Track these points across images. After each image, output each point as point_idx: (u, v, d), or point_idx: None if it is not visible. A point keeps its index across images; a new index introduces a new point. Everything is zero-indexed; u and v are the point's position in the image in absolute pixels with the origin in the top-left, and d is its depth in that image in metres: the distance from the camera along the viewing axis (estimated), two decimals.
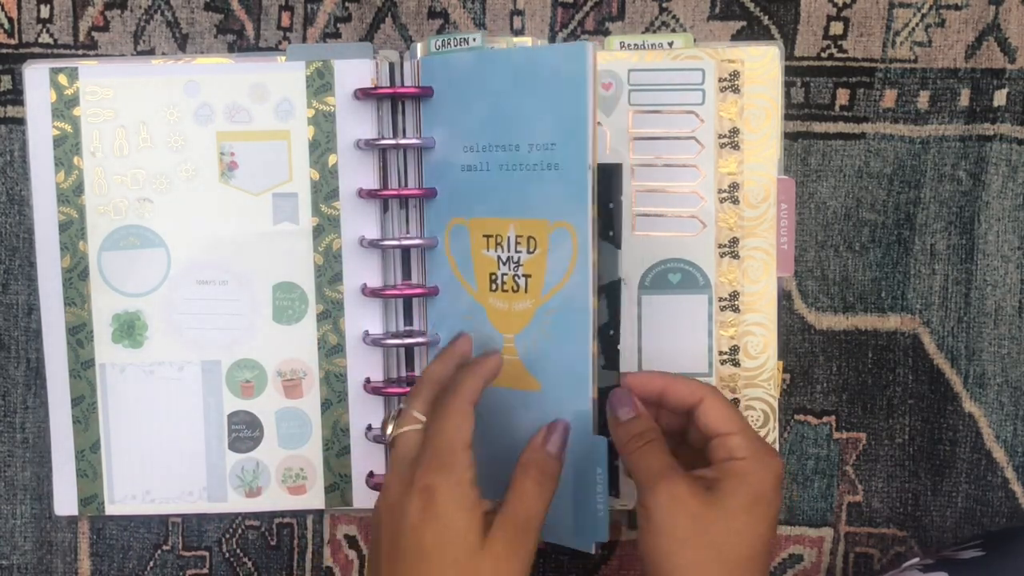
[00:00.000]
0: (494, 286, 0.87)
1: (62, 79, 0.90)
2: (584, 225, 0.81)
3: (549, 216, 0.83)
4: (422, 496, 0.73)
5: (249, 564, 0.98)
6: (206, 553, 0.98)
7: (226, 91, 0.90)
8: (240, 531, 0.97)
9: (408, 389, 0.90)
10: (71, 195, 0.90)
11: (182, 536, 0.98)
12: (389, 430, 0.80)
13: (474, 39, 0.88)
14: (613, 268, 0.89)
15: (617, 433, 0.79)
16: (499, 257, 0.86)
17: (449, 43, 0.89)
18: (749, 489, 0.74)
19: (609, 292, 0.90)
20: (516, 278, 0.85)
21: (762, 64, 0.88)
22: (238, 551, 0.98)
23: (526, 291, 0.85)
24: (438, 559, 0.72)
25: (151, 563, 0.98)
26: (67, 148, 0.90)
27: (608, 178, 0.89)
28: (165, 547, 0.98)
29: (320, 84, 0.89)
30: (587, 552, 0.85)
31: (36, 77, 0.90)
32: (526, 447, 0.78)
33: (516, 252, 0.85)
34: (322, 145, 0.90)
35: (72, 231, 0.91)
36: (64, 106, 0.90)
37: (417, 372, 0.92)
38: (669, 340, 0.90)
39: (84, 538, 0.98)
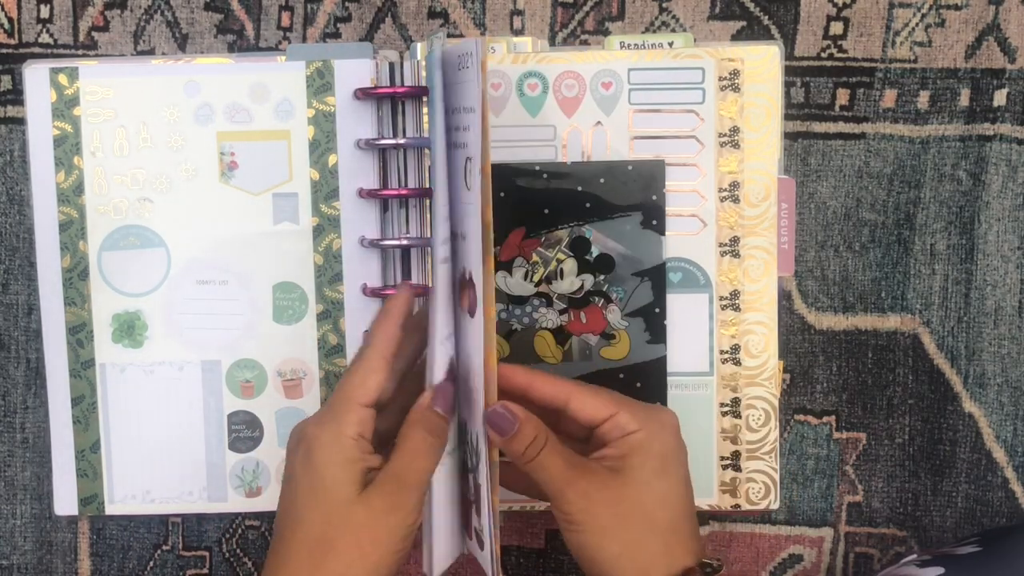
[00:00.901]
0: None
1: (62, 79, 0.90)
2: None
3: None
4: (303, 447, 0.74)
5: (249, 564, 0.98)
6: (206, 553, 0.98)
7: (226, 91, 0.90)
8: (240, 531, 0.98)
9: None
10: (71, 195, 0.90)
11: (182, 536, 0.98)
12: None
13: (491, 49, 0.89)
14: (658, 253, 0.90)
15: (509, 451, 0.76)
16: None
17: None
18: (653, 455, 0.75)
19: (654, 275, 0.90)
20: None
21: (762, 63, 0.88)
22: (238, 551, 0.98)
23: None
24: (311, 509, 0.72)
25: (151, 563, 0.98)
26: (67, 148, 0.90)
27: (651, 174, 0.89)
28: (165, 547, 0.98)
29: (320, 84, 0.89)
30: None
31: (36, 77, 0.90)
32: (414, 407, 0.76)
33: None
34: (322, 145, 0.90)
35: (72, 231, 0.91)
36: (64, 106, 0.90)
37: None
38: (670, 339, 0.90)
39: (84, 538, 0.98)
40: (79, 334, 0.91)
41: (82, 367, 0.92)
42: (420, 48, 0.90)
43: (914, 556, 0.91)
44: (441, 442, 0.76)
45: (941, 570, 0.85)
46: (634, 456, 0.74)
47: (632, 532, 0.73)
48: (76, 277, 0.91)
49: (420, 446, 0.74)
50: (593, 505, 0.74)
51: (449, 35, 0.93)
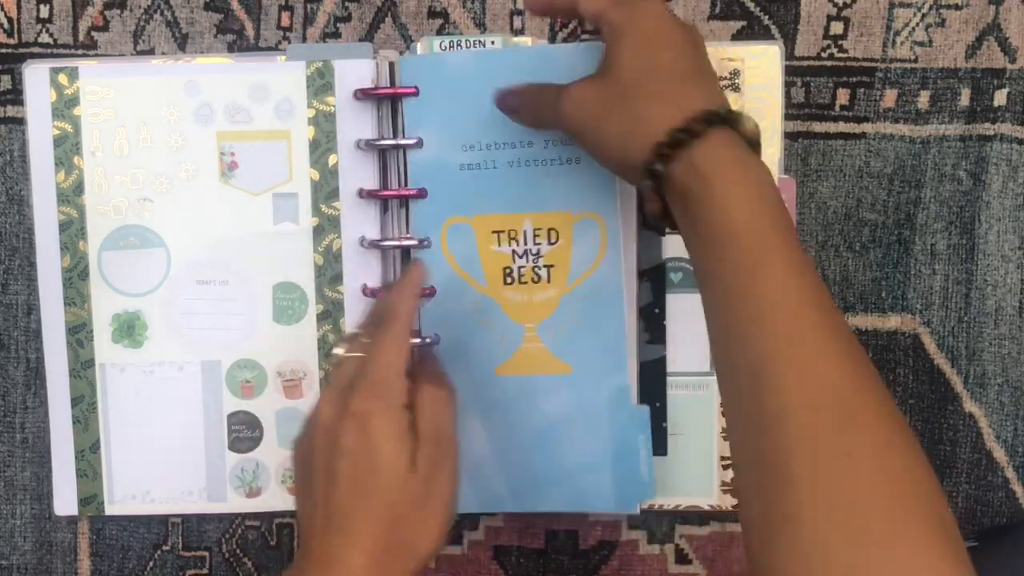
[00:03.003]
0: (510, 279, 0.89)
1: (62, 79, 0.90)
2: (612, 214, 0.86)
3: (572, 208, 0.87)
4: (357, 422, 0.74)
5: (249, 564, 0.98)
6: (206, 553, 0.98)
7: (226, 91, 0.90)
8: (240, 531, 0.97)
9: None
10: (71, 195, 0.90)
11: (182, 536, 0.98)
12: (338, 349, 0.80)
13: (492, 42, 0.89)
14: (657, 253, 0.90)
15: (528, 112, 0.83)
16: (514, 251, 0.88)
17: (461, 44, 0.89)
18: (630, 34, 0.75)
19: (653, 275, 0.90)
20: (536, 269, 0.88)
21: (762, 63, 0.88)
22: (238, 551, 0.98)
23: (548, 281, 0.89)
24: (373, 482, 0.73)
25: (151, 563, 0.98)
26: (67, 148, 0.90)
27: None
28: (165, 547, 0.98)
29: (320, 84, 0.89)
30: (630, 513, 0.92)
31: (36, 76, 0.90)
32: (420, 374, 0.79)
33: (535, 245, 0.88)
34: (322, 145, 0.90)
35: (72, 231, 0.91)
36: (64, 106, 0.90)
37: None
38: (671, 339, 0.90)
39: (84, 538, 0.98)
40: (79, 334, 0.92)
41: (82, 367, 0.92)
42: (419, 48, 0.90)
43: None
44: (452, 395, 0.79)
45: None
46: (613, 44, 0.75)
47: (624, 110, 0.73)
48: (76, 277, 0.91)
49: (435, 407, 0.77)
50: (585, 102, 0.76)
51: (449, 35, 0.93)
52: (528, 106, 0.83)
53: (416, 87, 0.88)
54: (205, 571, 0.98)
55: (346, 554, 0.72)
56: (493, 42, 0.89)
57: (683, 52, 0.74)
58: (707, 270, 0.70)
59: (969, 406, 0.94)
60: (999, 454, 0.94)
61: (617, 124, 0.74)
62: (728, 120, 0.71)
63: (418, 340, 0.89)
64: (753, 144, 0.72)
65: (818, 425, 0.63)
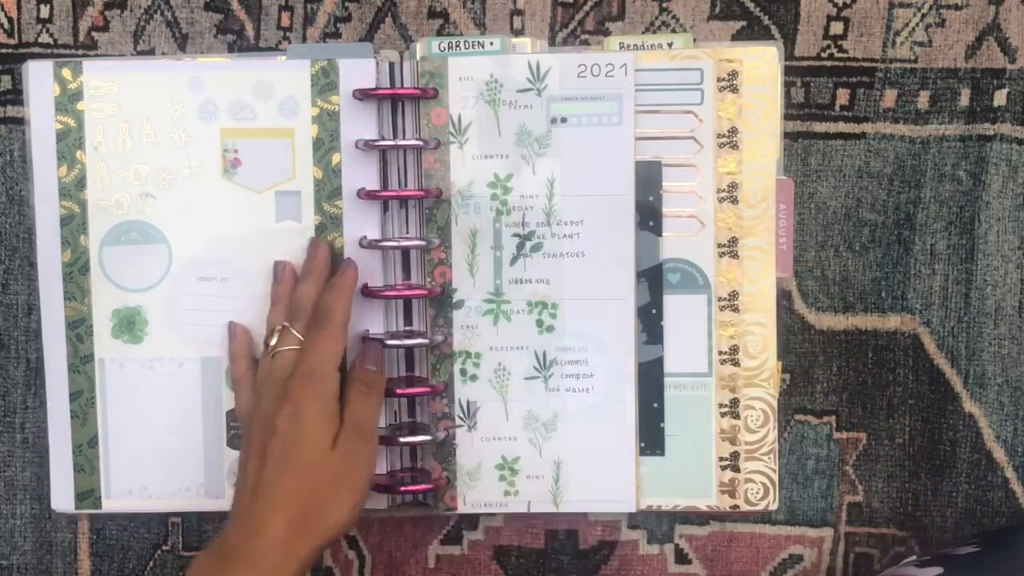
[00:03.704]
0: None
1: (66, 73, 0.90)
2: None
3: None
4: (292, 408, 0.82)
5: None
6: None
7: (230, 88, 0.90)
8: None
9: (409, 390, 0.90)
10: (73, 189, 0.90)
11: (182, 536, 0.98)
12: (273, 342, 0.87)
13: (491, 43, 0.89)
14: (654, 254, 0.90)
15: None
16: None
17: (459, 45, 0.89)
18: None
19: (650, 276, 0.90)
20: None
21: (761, 64, 0.89)
22: None
23: None
24: (297, 460, 0.80)
25: (151, 563, 0.98)
26: (70, 142, 0.90)
27: (648, 175, 0.89)
28: (165, 547, 0.98)
29: (325, 83, 0.89)
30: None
31: (40, 71, 0.90)
32: (351, 369, 0.88)
33: None
34: (326, 144, 0.90)
35: (73, 225, 0.91)
36: (68, 100, 0.90)
37: (417, 372, 0.92)
38: (669, 339, 0.91)
39: (84, 538, 0.98)
40: (79, 329, 0.91)
41: (81, 362, 0.92)
42: (419, 48, 0.90)
43: (914, 557, 0.91)
44: (380, 393, 0.88)
45: (940, 570, 0.85)
46: None
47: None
48: (76, 272, 0.91)
49: (362, 399, 0.86)
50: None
51: (449, 35, 0.94)
52: None
53: (434, 88, 0.89)
54: None
55: (270, 519, 0.78)
56: (492, 43, 0.90)
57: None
58: None
59: (969, 406, 0.94)
60: (999, 454, 0.94)
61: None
62: None
63: (422, 340, 0.90)
64: None
65: None
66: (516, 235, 0.90)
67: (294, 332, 0.86)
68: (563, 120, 0.88)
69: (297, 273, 0.91)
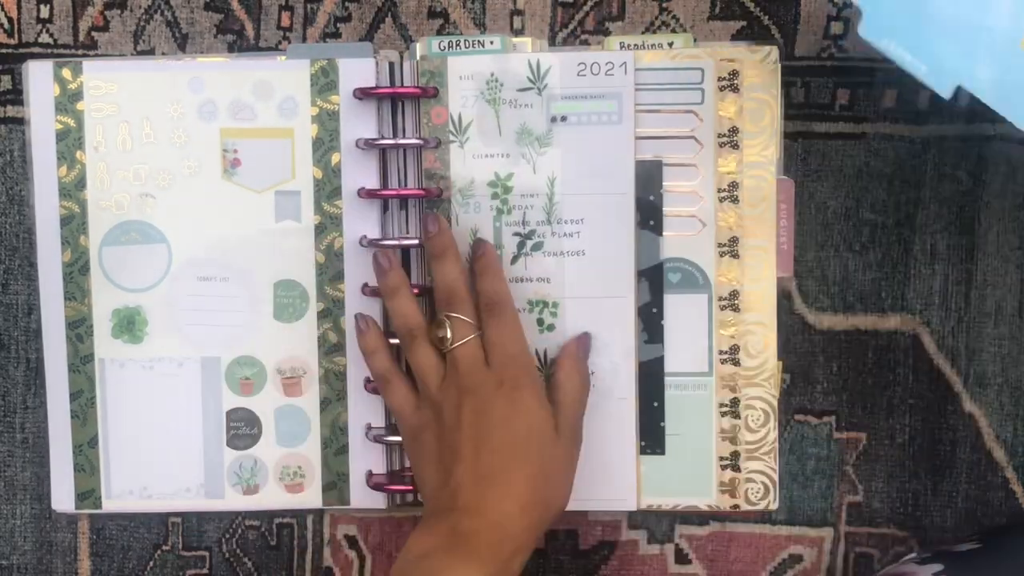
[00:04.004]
0: None
1: (66, 73, 0.90)
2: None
3: None
4: (512, 395, 0.83)
5: (249, 564, 0.98)
6: (206, 553, 0.98)
7: (230, 88, 0.90)
8: (240, 531, 0.97)
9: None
10: (73, 189, 0.91)
11: (182, 536, 0.98)
12: (446, 334, 0.86)
13: (492, 42, 0.89)
14: (655, 253, 0.91)
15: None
16: None
17: (459, 44, 0.89)
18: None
19: (651, 275, 0.91)
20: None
21: (761, 63, 0.89)
22: (238, 551, 0.98)
23: None
24: (525, 448, 0.82)
25: (151, 563, 0.98)
26: (70, 142, 0.90)
27: (649, 174, 0.90)
28: (165, 547, 0.98)
29: (324, 83, 0.90)
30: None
31: (40, 71, 0.90)
32: (563, 352, 0.90)
33: None
34: (325, 144, 0.90)
35: (73, 225, 0.91)
36: (68, 100, 0.90)
37: None
38: (669, 339, 0.91)
39: (84, 538, 0.98)
40: (79, 329, 0.92)
41: (81, 362, 0.92)
42: (419, 47, 0.90)
43: (914, 554, 0.91)
44: (585, 373, 0.90)
45: (940, 567, 0.85)
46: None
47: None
48: (76, 272, 0.91)
49: (579, 385, 0.88)
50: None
51: (448, 35, 0.94)
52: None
53: (435, 87, 0.89)
54: (205, 571, 0.98)
55: (501, 504, 0.80)
56: (492, 42, 0.90)
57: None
58: None
59: (969, 406, 0.94)
60: (999, 454, 0.94)
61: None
62: None
63: None
64: None
65: None
66: (516, 234, 0.90)
67: (466, 320, 0.86)
68: (563, 119, 0.88)
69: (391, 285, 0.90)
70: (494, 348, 0.85)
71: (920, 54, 0.80)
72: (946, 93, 0.79)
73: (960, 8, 0.79)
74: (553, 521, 0.83)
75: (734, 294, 0.90)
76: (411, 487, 0.92)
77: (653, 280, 0.90)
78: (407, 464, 0.93)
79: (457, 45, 0.90)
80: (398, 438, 0.91)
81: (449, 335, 0.85)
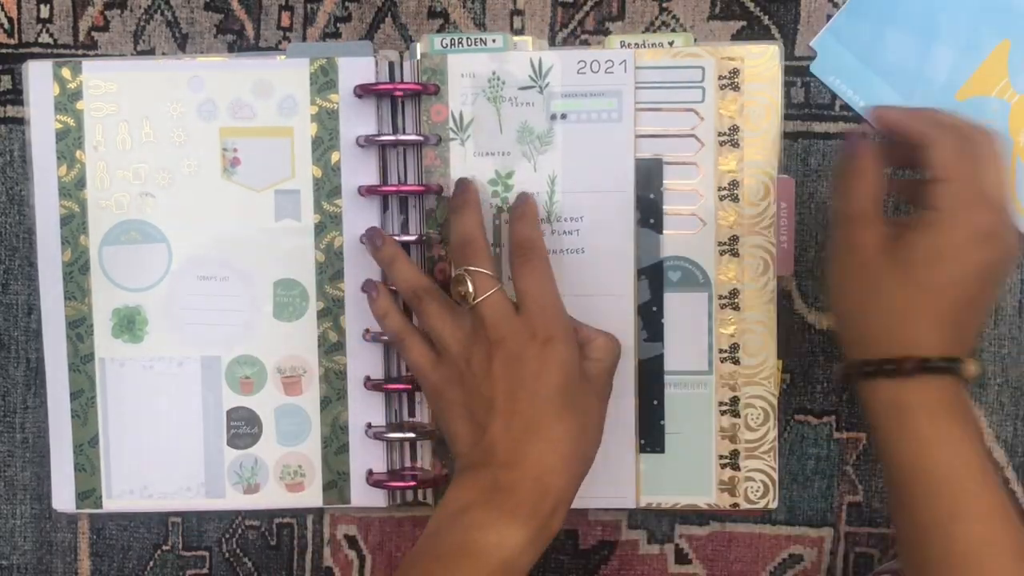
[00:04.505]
0: None
1: (65, 72, 0.90)
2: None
3: None
4: (545, 347, 0.80)
5: (249, 564, 0.98)
6: (206, 553, 0.98)
7: (230, 87, 0.90)
8: (240, 531, 0.97)
9: (408, 386, 0.91)
10: (73, 189, 0.91)
11: (182, 536, 0.98)
12: (468, 289, 0.82)
13: (494, 40, 0.89)
14: (655, 252, 0.91)
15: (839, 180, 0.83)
16: None
17: (461, 42, 0.89)
18: (944, 239, 0.74)
19: (651, 273, 0.91)
20: None
21: (762, 62, 0.89)
22: (238, 551, 0.98)
23: None
24: (562, 401, 0.79)
25: (151, 563, 0.98)
26: (69, 142, 0.90)
27: (649, 172, 0.90)
28: (165, 547, 0.98)
29: (324, 81, 0.90)
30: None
31: (39, 71, 0.90)
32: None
33: None
34: (325, 142, 0.90)
35: (73, 225, 0.91)
36: (67, 100, 0.90)
37: None
38: (669, 337, 0.91)
39: (84, 538, 0.98)
40: (79, 328, 0.92)
41: (81, 361, 0.92)
42: (419, 46, 0.90)
43: None
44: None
45: None
46: (913, 233, 0.75)
47: (875, 297, 0.76)
48: (77, 271, 0.91)
49: (607, 338, 0.86)
50: (854, 253, 0.78)
51: (450, 32, 0.94)
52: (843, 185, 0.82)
53: (436, 84, 0.89)
54: (205, 571, 0.98)
55: (543, 458, 0.78)
56: (495, 40, 0.90)
57: (977, 285, 0.74)
58: (898, 499, 0.74)
59: None
60: (999, 454, 0.94)
61: (857, 306, 0.77)
62: (948, 371, 0.72)
63: None
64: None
65: None
66: None
67: (486, 272, 0.82)
68: (563, 117, 0.88)
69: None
70: (526, 297, 0.82)
71: (861, 92, 0.91)
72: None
73: (902, 60, 0.92)
74: (586, 472, 0.82)
75: (734, 293, 0.90)
76: (412, 484, 0.92)
77: (653, 278, 0.90)
78: (407, 463, 0.93)
79: (459, 43, 0.90)
80: (398, 435, 0.91)
81: (471, 289, 0.82)
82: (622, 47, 0.90)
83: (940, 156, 0.75)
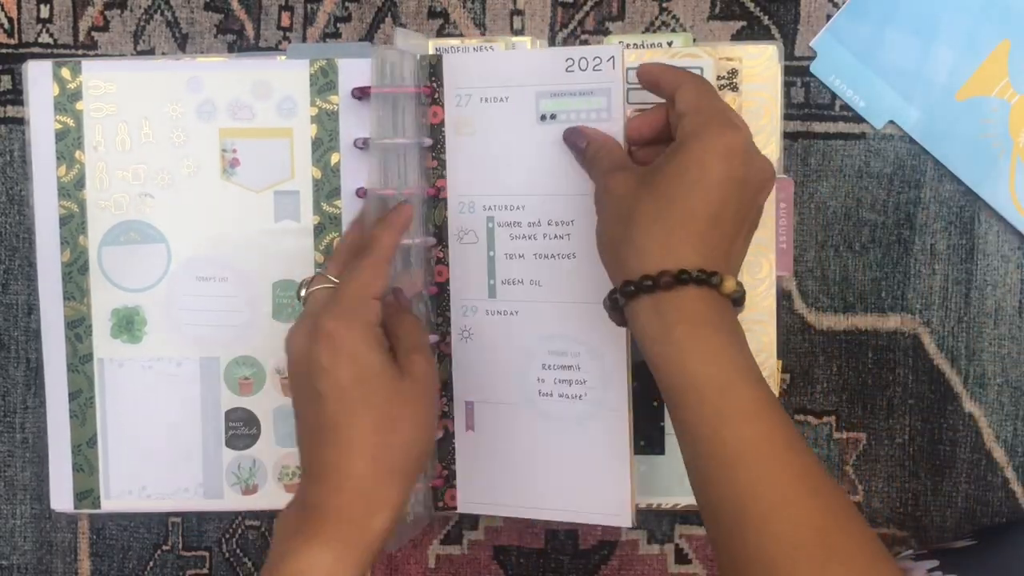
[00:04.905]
0: None
1: (65, 73, 0.90)
2: None
3: None
4: (327, 341, 0.75)
5: (249, 564, 0.98)
6: (206, 553, 0.98)
7: (229, 88, 0.90)
8: (240, 531, 0.97)
9: None
10: (72, 189, 0.91)
11: (182, 536, 0.98)
12: (302, 293, 0.81)
13: (490, 46, 0.89)
14: None
15: (583, 159, 0.85)
16: None
17: (456, 49, 0.90)
18: (688, 156, 0.74)
19: None
20: None
21: (760, 62, 0.89)
22: (238, 551, 0.98)
23: None
24: (361, 395, 0.74)
25: (151, 563, 0.98)
26: (69, 142, 0.91)
27: None
28: (165, 547, 0.98)
29: (324, 83, 0.90)
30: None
31: (39, 71, 0.91)
32: (386, 305, 0.81)
33: None
34: (324, 143, 0.90)
35: (72, 225, 0.91)
36: (67, 100, 0.90)
37: None
38: None
39: (84, 538, 0.98)
40: (78, 328, 0.92)
41: (80, 361, 0.92)
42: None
43: (910, 551, 0.91)
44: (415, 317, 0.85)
45: (936, 562, 0.85)
46: (673, 151, 0.76)
47: (625, 228, 0.75)
48: (76, 272, 0.91)
49: (402, 317, 0.82)
50: (626, 185, 0.77)
51: (448, 35, 0.94)
52: (588, 159, 0.84)
53: (431, 86, 0.89)
54: (205, 571, 0.98)
55: (343, 462, 0.73)
56: (491, 46, 0.90)
57: (720, 196, 0.74)
58: (672, 412, 0.73)
59: (969, 406, 0.94)
60: (999, 454, 0.94)
61: (616, 238, 0.76)
62: (706, 283, 0.72)
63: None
64: (736, 300, 0.74)
65: (799, 563, 0.64)
66: (509, 235, 0.89)
67: (326, 275, 0.80)
68: (552, 117, 0.87)
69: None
70: (334, 292, 0.79)
71: (860, 92, 0.92)
72: (879, 124, 0.91)
73: (902, 60, 0.92)
74: (420, 470, 0.78)
75: None
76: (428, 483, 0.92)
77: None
78: None
79: (456, 47, 0.90)
80: None
81: (304, 288, 0.82)
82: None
83: (686, 94, 0.77)
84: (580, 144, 0.84)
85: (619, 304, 0.74)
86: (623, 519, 0.89)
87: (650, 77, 0.82)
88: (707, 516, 0.70)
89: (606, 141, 0.83)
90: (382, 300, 0.79)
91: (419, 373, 0.77)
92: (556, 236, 0.88)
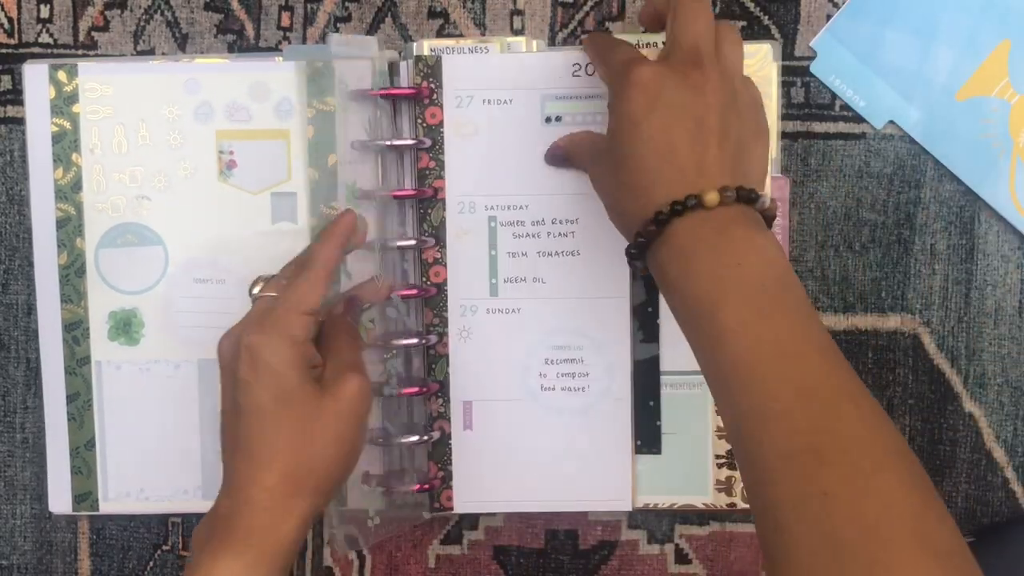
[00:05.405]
0: None
1: (62, 76, 0.90)
2: None
3: None
4: (247, 354, 0.76)
5: None
6: None
7: (226, 89, 0.90)
8: None
9: (404, 390, 0.91)
10: (69, 192, 0.91)
11: (182, 536, 0.98)
12: (254, 291, 0.82)
13: (487, 47, 0.90)
14: None
15: (565, 153, 0.89)
16: None
17: (454, 51, 0.90)
18: (617, 110, 0.76)
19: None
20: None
21: (755, 62, 0.89)
22: None
23: None
24: (277, 412, 0.75)
25: (151, 563, 0.98)
26: (66, 145, 0.91)
27: None
28: (165, 547, 0.98)
29: (321, 84, 0.90)
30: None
31: (35, 73, 0.91)
32: (328, 319, 0.83)
33: None
34: (322, 145, 0.90)
35: (69, 228, 0.91)
36: (63, 103, 0.90)
37: (414, 372, 0.92)
38: (665, 338, 0.91)
39: (84, 538, 0.98)
40: (75, 331, 0.92)
41: (78, 364, 0.92)
42: (415, 48, 0.90)
43: None
44: (357, 336, 0.84)
45: None
46: (610, 113, 0.78)
47: (617, 181, 0.77)
48: (73, 274, 0.91)
49: (348, 340, 0.82)
50: (600, 163, 0.81)
51: (448, 35, 0.94)
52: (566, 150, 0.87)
53: (428, 86, 0.88)
54: None
55: (258, 478, 0.74)
56: (488, 46, 0.90)
57: (675, 120, 0.74)
58: (688, 338, 0.73)
59: (969, 406, 0.94)
60: (999, 454, 0.94)
61: (614, 193, 0.78)
62: (697, 207, 0.71)
63: (419, 340, 0.90)
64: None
65: (794, 468, 0.64)
66: (511, 234, 0.89)
67: (281, 280, 0.81)
68: (557, 119, 0.88)
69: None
70: (263, 303, 0.80)
71: (860, 92, 0.92)
72: (879, 124, 0.91)
73: (902, 60, 0.92)
74: (335, 488, 0.79)
75: None
76: (414, 486, 0.92)
77: (648, 279, 0.90)
78: (406, 464, 0.93)
79: (454, 47, 0.90)
80: (395, 438, 0.91)
81: (258, 287, 0.83)
82: None
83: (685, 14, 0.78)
84: (555, 151, 0.88)
85: (638, 259, 0.75)
86: (623, 503, 0.91)
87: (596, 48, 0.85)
88: (725, 419, 0.71)
89: (574, 134, 0.88)
90: (320, 314, 0.80)
91: (346, 392, 0.77)
92: (560, 234, 0.89)
